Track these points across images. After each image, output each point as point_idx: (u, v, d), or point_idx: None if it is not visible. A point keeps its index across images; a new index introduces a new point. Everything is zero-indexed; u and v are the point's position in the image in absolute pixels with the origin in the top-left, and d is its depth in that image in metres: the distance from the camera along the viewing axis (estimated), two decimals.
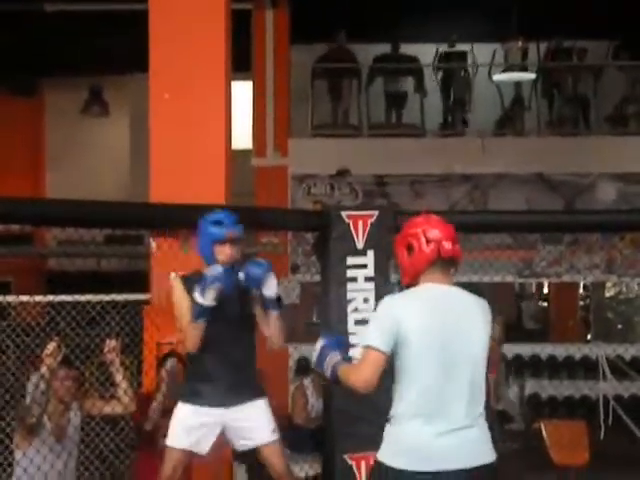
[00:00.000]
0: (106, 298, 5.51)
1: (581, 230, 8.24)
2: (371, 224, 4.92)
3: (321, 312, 5.53)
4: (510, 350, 10.05)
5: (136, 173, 12.96)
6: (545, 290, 14.47)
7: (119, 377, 4.62)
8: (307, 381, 7.30)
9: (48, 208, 4.93)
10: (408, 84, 11.88)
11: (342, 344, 3.58)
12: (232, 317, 4.01)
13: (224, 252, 4.06)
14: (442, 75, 11.85)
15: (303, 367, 9.83)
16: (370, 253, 4.90)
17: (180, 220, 5.06)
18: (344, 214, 4.94)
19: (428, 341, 3.18)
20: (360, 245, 4.91)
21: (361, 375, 3.22)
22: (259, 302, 4.08)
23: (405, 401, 3.21)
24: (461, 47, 11.83)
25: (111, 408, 4.74)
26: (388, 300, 3.30)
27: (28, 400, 4.65)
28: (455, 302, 3.29)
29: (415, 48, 11.91)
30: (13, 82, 13.15)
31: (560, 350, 10.91)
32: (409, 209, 10.06)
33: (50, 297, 5.46)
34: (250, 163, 11.08)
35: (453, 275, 3.34)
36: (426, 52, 11.83)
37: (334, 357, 3.40)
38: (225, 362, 4.00)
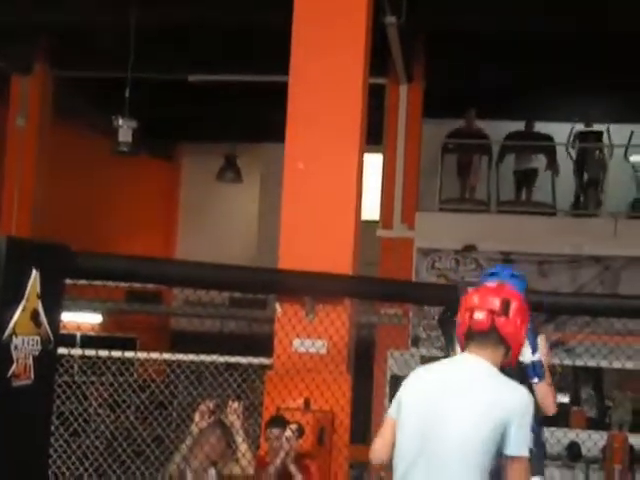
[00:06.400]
0: (231, 360, 5.60)
1: None
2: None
3: None
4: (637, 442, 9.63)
5: (263, 238, 13.25)
6: None
7: (239, 439, 4.66)
8: None
9: (178, 269, 5.09)
10: (539, 162, 11.76)
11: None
12: None
13: None
14: (577, 154, 11.68)
15: None
16: None
17: (307, 287, 5.13)
18: (471, 290, 4.89)
19: (410, 417, 3.03)
20: None
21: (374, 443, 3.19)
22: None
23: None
24: (597, 127, 11.66)
25: (229, 470, 4.77)
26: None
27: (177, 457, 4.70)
28: (455, 381, 3.02)
29: (549, 126, 11.81)
30: (153, 146, 13.74)
31: None
32: (534, 288, 9.92)
33: (178, 356, 5.60)
34: (376, 234, 11.14)
35: (499, 351, 3.05)
36: (560, 131, 11.71)
37: None
38: None
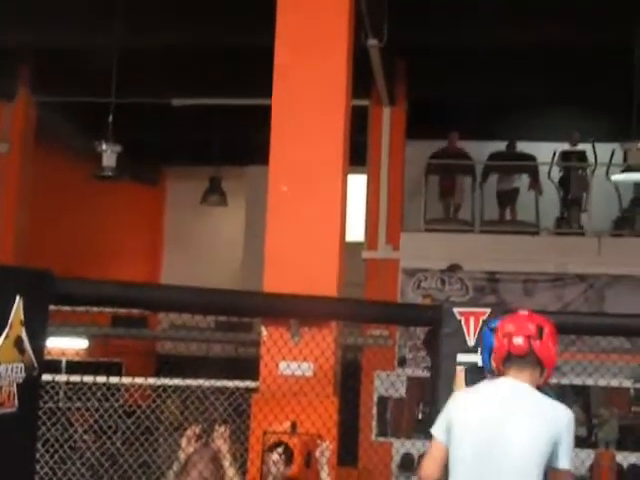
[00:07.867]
0: (217, 384, 5.57)
1: None
2: (483, 322, 4.85)
3: (429, 408, 5.45)
4: (626, 460, 9.63)
5: (248, 261, 13.23)
6: None
7: (226, 464, 4.62)
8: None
9: (163, 294, 5.06)
10: (522, 181, 11.83)
11: None
12: None
13: None
14: (560, 173, 11.75)
15: (409, 463, 9.65)
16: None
17: (292, 309, 5.12)
18: (456, 310, 4.90)
19: (466, 439, 3.23)
20: (471, 342, 4.84)
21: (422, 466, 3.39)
22: None
23: None
24: (579, 146, 11.73)
25: None
26: (454, 395, 3.47)
27: None
28: (508, 402, 3.25)
29: (531, 146, 11.89)
30: (137, 170, 13.72)
31: None
32: (519, 308, 9.92)
33: (164, 380, 5.57)
34: (361, 255, 11.15)
35: (536, 373, 3.32)
36: (542, 150, 11.79)
37: None
38: None
